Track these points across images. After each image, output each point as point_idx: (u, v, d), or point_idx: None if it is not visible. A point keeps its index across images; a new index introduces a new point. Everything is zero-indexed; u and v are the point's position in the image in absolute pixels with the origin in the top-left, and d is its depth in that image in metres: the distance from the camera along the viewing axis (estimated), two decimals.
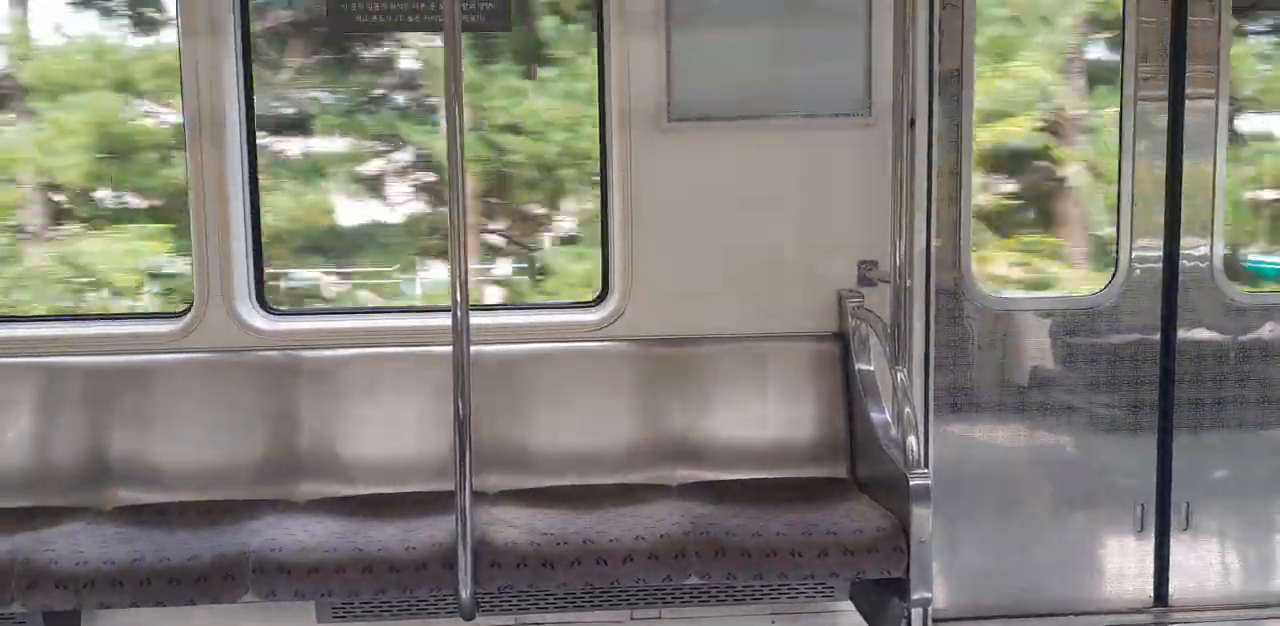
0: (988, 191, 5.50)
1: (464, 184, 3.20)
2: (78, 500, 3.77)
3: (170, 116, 6.05)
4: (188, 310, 4.01)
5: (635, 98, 3.93)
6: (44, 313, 4.33)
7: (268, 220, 4.22)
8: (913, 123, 3.86)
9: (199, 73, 3.89)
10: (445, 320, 3.29)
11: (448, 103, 3.16)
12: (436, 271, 6.61)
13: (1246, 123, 4.96)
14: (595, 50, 4.05)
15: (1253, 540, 4.25)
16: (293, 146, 6.37)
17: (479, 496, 3.56)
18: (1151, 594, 4.23)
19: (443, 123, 3.21)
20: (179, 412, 3.87)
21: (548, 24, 6.32)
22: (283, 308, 4.14)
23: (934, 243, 4.02)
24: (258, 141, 4.08)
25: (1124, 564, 4.20)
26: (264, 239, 4.12)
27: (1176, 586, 4.22)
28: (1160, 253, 4.17)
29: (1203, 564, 4.23)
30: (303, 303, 5.96)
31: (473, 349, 3.27)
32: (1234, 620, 4.18)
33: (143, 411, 3.85)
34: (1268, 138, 5.25)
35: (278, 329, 4.02)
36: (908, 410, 3.41)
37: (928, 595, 3.33)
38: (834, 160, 3.99)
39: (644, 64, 3.91)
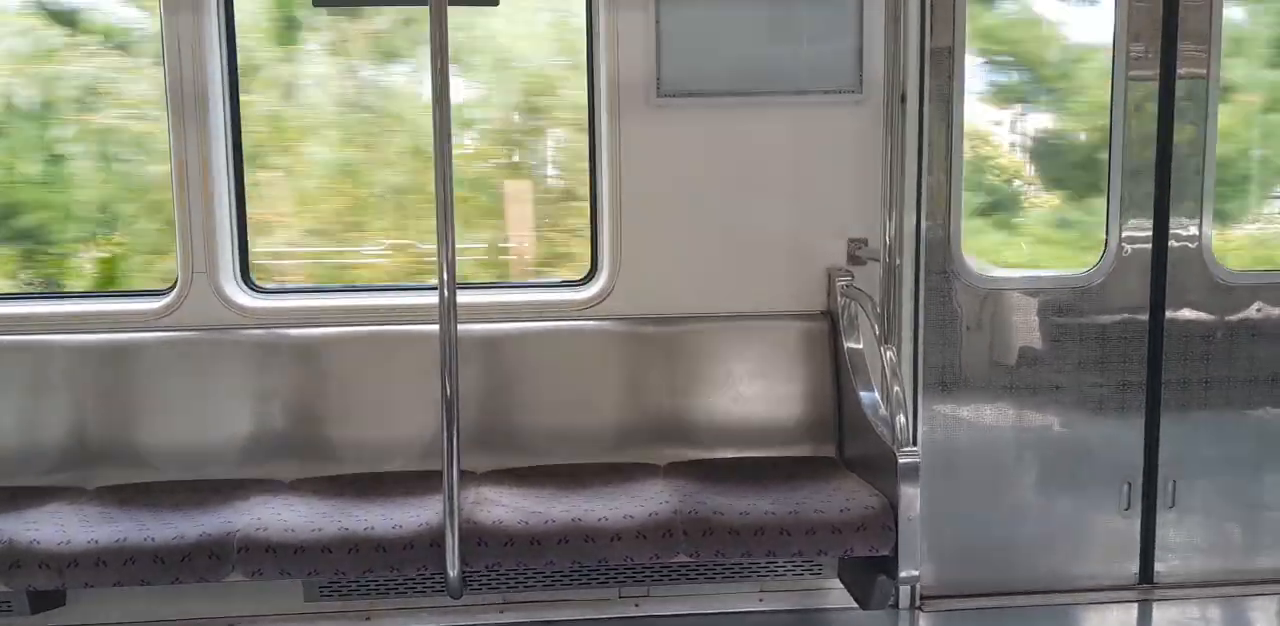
0: None
1: (450, 159, 3.16)
2: (60, 480, 3.74)
3: None
4: (172, 287, 3.97)
5: (625, 72, 3.89)
6: (26, 290, 4.24)
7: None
8: (904, 99, 3.84)
9: (180, 47, 3.83)
10: (431, 298, 3.26)
11: (434, 77, 3.11)
12: None
13: None
14: (585, 23, 4.00)
15: (1238, 518, 4.27)
16: None
17: (466, 476, 3.54)
18: (1137, 571, 4.25)
19: (429, 97, 3.14)
20: (163, 391, 3.83)
21: None
22: (267, 285, 4.10)
23: (924, 221, 4.00)
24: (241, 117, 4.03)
25: (1110, 542, 4.22)
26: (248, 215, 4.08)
27: (1162, 564, 4.24)
28: (1149, 232, 4.16)
29: (1188, 542, 4.25)
30: None
31: (460, 327, 3.24)
32: (1218, 597, 4.20)
33: (126, 390, 3.82)
34: None
35: (262, 306, 3.98)
36: (897, 389, 3.40)
37: (915, 573, 3.34)
38: (825, 137, 3.97)
39: (634, 38, 3.87)
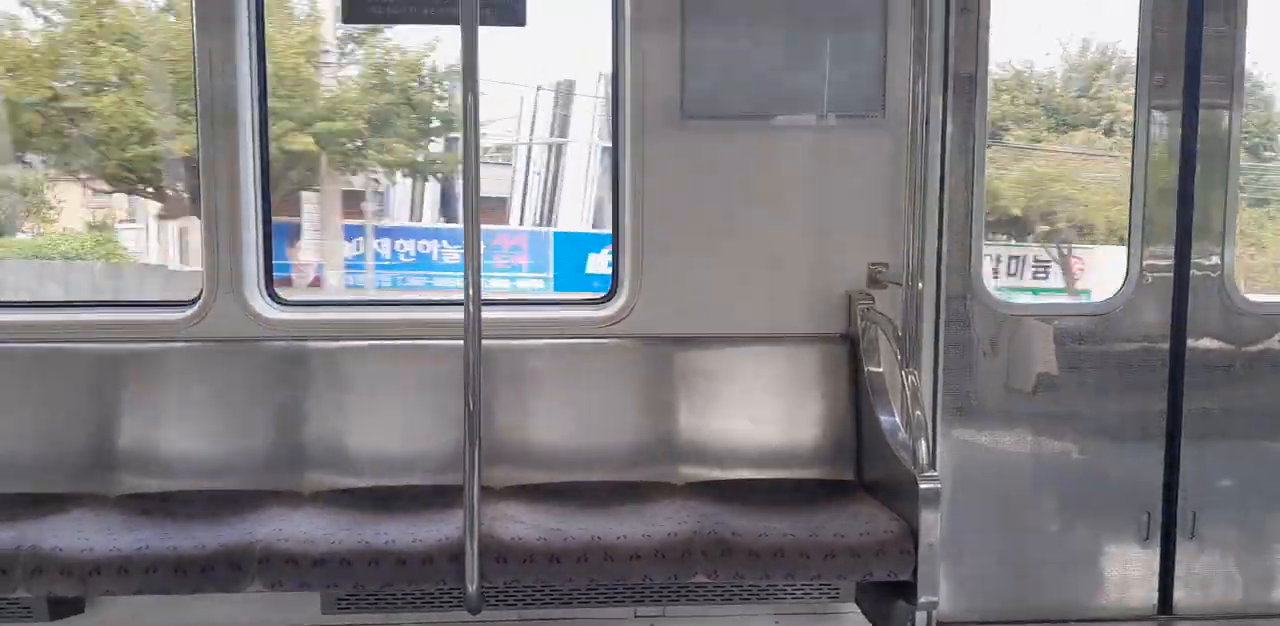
0: None
1: (478, 177, 3.19)
2: (83, 487, 3.75)
3: None
4: (197, 299, 4.00)
5: (649, 95, 3.92)
6: (53, 298, 4.28)
7: None
8: (926, 124, 3.86)
9: (212, 62, 3.89)
10: (455, 314, 3.28)
11: (464, 96, 3.15)
12: None
13: None
14: (611, 47, 4.04)
15: (1258, 550, 4.24)
16: None
17: (486, 491, 3.54)
18: (1156, 602, 4.21)
19: (460, 116, 3.18)
20: (186, 401, 3.86)
21: None
22: (292, 298, 4.13)
23: (945, 245, 4.02)
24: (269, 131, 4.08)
25: (1129, 572, 4.19)
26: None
27: (1181, 595, 4.21)
28: (1171, 261, 4.16)
29: (1208, 573, 4.22)
30: None
31: (482, 343, 3.26)
32: None
33: (150, 399, 3.84)
34: None
35: (286, 319, 4.01)
36: (918, 413, 3.40)
37: (934, 599, 3.32)
38: (847, 160, 3.99)
39: (659, 61, 3.91)
